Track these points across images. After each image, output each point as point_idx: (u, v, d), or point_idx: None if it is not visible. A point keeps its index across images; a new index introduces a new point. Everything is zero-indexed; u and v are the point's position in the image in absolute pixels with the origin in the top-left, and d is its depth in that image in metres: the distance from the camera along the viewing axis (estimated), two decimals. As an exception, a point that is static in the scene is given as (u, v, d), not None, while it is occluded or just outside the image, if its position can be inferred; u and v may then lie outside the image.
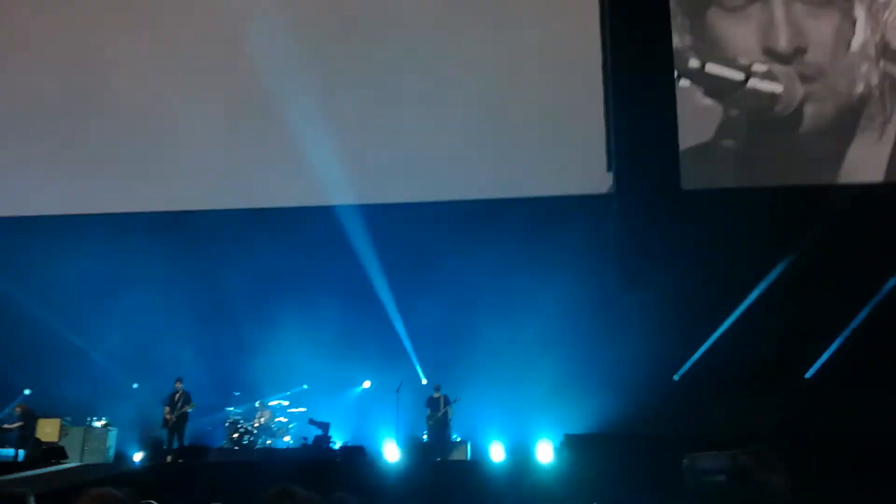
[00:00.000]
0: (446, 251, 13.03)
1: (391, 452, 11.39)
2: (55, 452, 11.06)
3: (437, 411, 12.19)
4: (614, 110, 13.54)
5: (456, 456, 11.56)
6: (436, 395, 12.39)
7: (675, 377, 12.65)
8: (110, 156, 14.48)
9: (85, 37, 14.97)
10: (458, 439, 12.05)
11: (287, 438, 12.77)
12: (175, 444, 11.89)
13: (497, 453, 10.90)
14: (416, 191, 14.21)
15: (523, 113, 14.04)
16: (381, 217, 13.57)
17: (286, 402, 13.19)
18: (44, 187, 14.45)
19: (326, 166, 13.30)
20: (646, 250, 12.91)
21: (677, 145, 13.33)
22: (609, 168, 13.64)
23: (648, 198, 13.21)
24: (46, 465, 10.64)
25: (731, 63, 13.70)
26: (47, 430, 12.08)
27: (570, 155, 13.76)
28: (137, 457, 11.53)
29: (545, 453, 10.34)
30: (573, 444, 9.67)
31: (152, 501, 3.90)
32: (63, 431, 12.10)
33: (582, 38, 14.13)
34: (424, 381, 12.62)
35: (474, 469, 10.21)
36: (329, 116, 13.68)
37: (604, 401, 11.19)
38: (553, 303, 11.84)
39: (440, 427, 12.10)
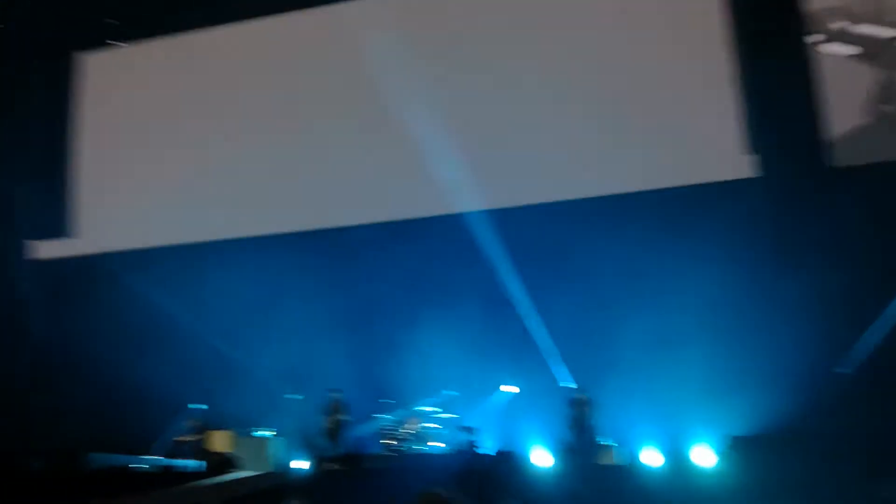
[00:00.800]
0: (582, 250, 12.80)
1: (542, 458, 11.27)
2: (227, 463, 11.83)
3: (580, 414, 11.93)
4: (746, 85, 12.83)
5: (608, 460, 11.25)
6: (577, 396, 12.14)
7: (847, 369, 11.58)
8: (252, 181, 15.54)
9: (218, 62, 16.20)
10: (609, 443, 11.73)
11: (439, 444, 12.98)
12: (334, 452, 12.37)
13: (653, 457, 10.47)
14: (548, 191, 14.10)
15: (649, 100, 13.57)
16: (516, 220, 13.55)
17: (435, 409, 13.42)
18: (201, 215, 15.70)
19: (457, 175, 13.49)
20: (798, 233, 12.12)
21: (821, 118, 12.42)
22: (748, 150, 12.92)
23: (794, 178, 12.43)
24: (220, 475, 11.42)
25: (878, 20, 12.60)
26: (218, 441, 12.95)
27: (703, 139, 13.14)
28: (301, 465, 12.09)
29: (706, 457, 9.82)
30: (740, 447, 9.12)
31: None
32: (234, 442, 12.91)
33: (704, 8, 13.50)
34: (571, 385, 12.34)
35: (631, 474, 9.89)
36: (454, 125, 13.89)
37: (766, 398, 10.50)
38: (701, 295, 11.29)
39: (583, 430, 11.82)
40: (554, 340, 13.27)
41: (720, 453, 9.64)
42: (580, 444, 11.69)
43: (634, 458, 10.98)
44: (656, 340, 11.64)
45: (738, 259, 11.94)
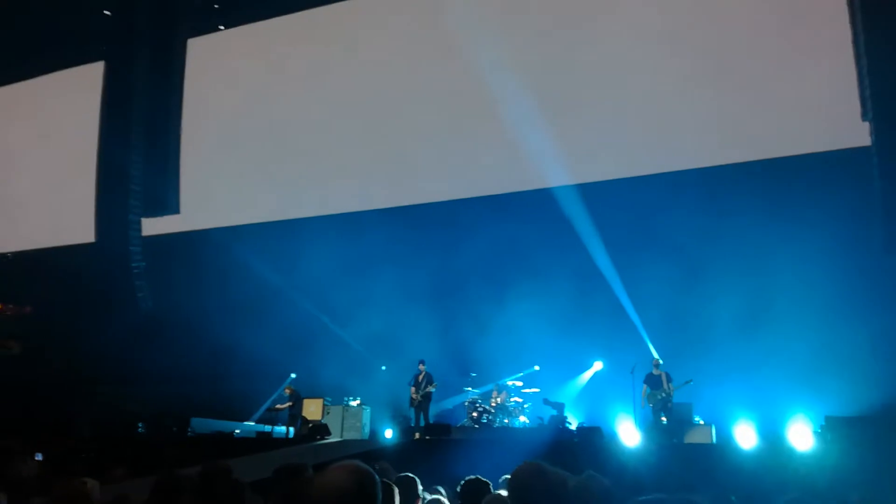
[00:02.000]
0: (677, 225, 12.37)
1: (629, 434, 11.08)
2: (320, 429, 12.27)
3: (659, 389, 11.62)
4: (866, 48, 11.87)
5: (699, 439, 10.91)
6: (655, 371, 11.81)
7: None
8: (346, 159, 15.93)
9: (313, 43, 16.60)
10: (701, 422, 11.36)
11: (523, 418, 13.01)
12: (421, 422, 12.62)
13: (745, 437, 10.05)
14: (641, 164, 13.71)
15: (756, 62, 12.86)
16: (604, 195, 13.27)
17: (520, 383, 13.44)
18: (298, 192, 16.29)
19: (547, 150, 13.31)
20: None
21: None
22: (864, 117, 12.02)
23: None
24: (313, 441, 11.88)
25: None
26: (312, 409, 13.47)
27: (816, 106, 12.33)
28: (388, 433, 12.41)
29: (802, 438, 9.34)
30: (837, 428, 8.64)
31: (409, 474, 4.13)
32: (325, 410, 13.40)
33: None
34: (660, 362, 12.01)
35: (722, 454, 9.56)
36: (542, 101, 13.69)
37: (869, 379, 9.86)
38: (805, 270, 10.68)
39: (662, 406, 11.52)
40: (645, 317, 12.97)
41: (816, 434, 9.16)
42: (658, 419, 11.43)
43: (728, 437, 10.59)
44: (751, 318, 11.12)
45: (849, 233, 11.23)
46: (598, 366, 13.54)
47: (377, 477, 2.40)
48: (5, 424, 11.89)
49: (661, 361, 11.90)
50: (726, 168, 12.92)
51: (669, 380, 11.64)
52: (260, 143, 16.85)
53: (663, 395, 11.54)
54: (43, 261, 18.04)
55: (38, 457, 10.34)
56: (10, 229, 18.45)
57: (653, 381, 11.78)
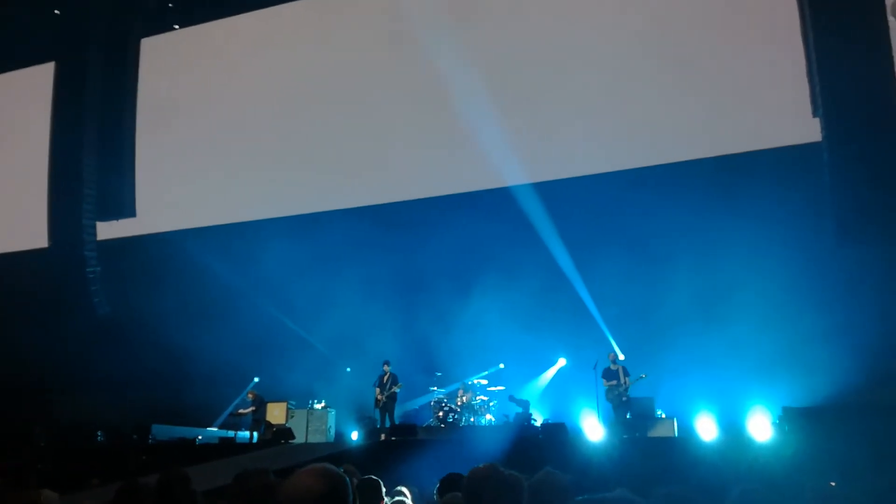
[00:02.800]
0: (635, 221, 12.56)
1: (593, 429, 11.20)
2: (284, 433, 12.13)
3: (619, 384, 11.78)
4: (816, 45, 12.16)
5: (661, 433, 11.09)
6: (613, 366, 11.97)
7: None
8: (304, 159, 15.80)
9: (270, 42, 16.42)
10: (663, 415, 11.55)
11: (489, 416, 13.05)
12: (387, 424, 12.57)
13: (706, 430, 10.25)
14: (600, 162, 13.87)
15: (707, 62, 13.09)
16: (564, 193, 13.39)
17: (485, 381, 13.49)
18: (256, 193, 16.09)
19: (507, 149, 13.39)
20: (863, 201, 11.54)
21: (894, 81, 11.70)
22: (815, 113, 12.33)
23: (862, 143, 11.76)
24: (277, 445, 11.74)
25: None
26: (276, 413, 13.33)
27: (768, 103, 12.61)
28: (354, 435, 12.33)
29: (761, 429, 9.56)
30: (794, 418, 8.84)
31: (373, 476, 4.14)
32: (289, 414, 13.26)
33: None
34: (622, 357, 12.18)
35: (684, 447, 9.71)
36: (505, 98, 13.75)
37: (825, 369, 10.12)
38: (761, 264, 10.95)
39: (619, 400, 11.70)
40: (606, 313, 13.13)
41: (774, 425, 9.36)
42: (621, 414, 11.59)
43: (690, 430, 10.78)
44: (710, 312, 11.35)
45: (802, 229, 11.51)
46: (561, 362, 13.67)
47: (347, 479, 2.37)
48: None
49: (618, 356, 12.06)
50: (681, 165, 13.13)
51: (626, 374, 11.81)
52: (216, 143, 16.60)
53: (620, 389, 11.71)
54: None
55: (-8, 469, 10.05)
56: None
57: (609, 375, 11.93)
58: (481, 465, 2.99)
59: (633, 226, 12.44)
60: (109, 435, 13.12)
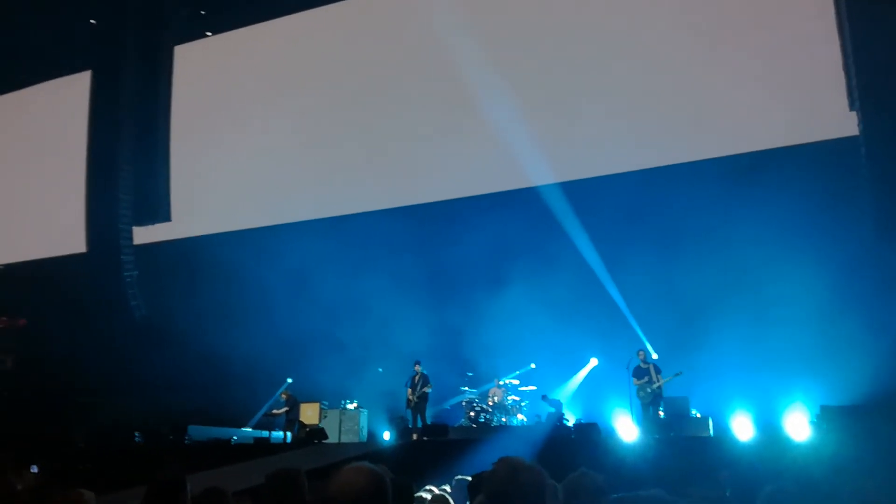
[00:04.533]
0: (672, 219, 12.42)
1: (626, 429, 11.08)
2: (317, 433, 12.22)
3: (651, 383, 11.62)
4: (852, 38, 11.90)
5: (697, 432, 10.92)
6: (643, 364, 11.81)
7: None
8: (339, 162, 15.91)
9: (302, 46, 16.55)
10: (698, 414, 11.38)
11: (521, 416, 13.00)
12: (419, 424, 12.59)
13: (742, 429, 10.06)
14: (634, 158, 13.73)
15: (740, 56, 12.87)
16: (597, 190, 13.29)
17: (517, 381, 13.44)
18: (290, 197, 16.26)
19: (535, 149, 13.34)
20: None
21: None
22: (852, 107, 12.07)
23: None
24: (310, 445, 11.84)
25: None
26: (309, 413, 13.45)
27: (801, 97, 12.37)
28: (386, 435, 12.36)
29: (798, 428, 9.36)
30: (833, 417, 8.64)
31: (403, 477, 4.16)
32: (322, 414, 13.37)
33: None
34: (655, 356, 12.02)
35: (720, 446, 9.56)
36: (535, 100, 13.70)
37: (864, 367, 9.87)
38: (799, 260, 10.68)
39: (652, 399, 11.54)
40: (638, 312, 12.99)
41: (812, 424, 9.17)
42: (653, 412, 11.44)
43: (726, 429, 10.60)
44: (747, 309, 11.15)
45: (840, 223, 11.26)
46: (593, 362, 13.54)
47: (387, 478, 2.52)
48: (0, 438, 11.82)
49: (649, 354, 11.91)
50: (717, 161, 12.94)
51: (658, 371, 11.66)
52: (248, 147, 16.79)
53: (652, 388, 11.56)
54: (35, 272, 17.94)
55: (34, 469, 10.31)
56: (0, 242, 18.37)
57: (640, 374, 11.79)
58: (502, 459, 2.95)
59: (666, 223, 12.29)
60: (147, 436, 13.36)
